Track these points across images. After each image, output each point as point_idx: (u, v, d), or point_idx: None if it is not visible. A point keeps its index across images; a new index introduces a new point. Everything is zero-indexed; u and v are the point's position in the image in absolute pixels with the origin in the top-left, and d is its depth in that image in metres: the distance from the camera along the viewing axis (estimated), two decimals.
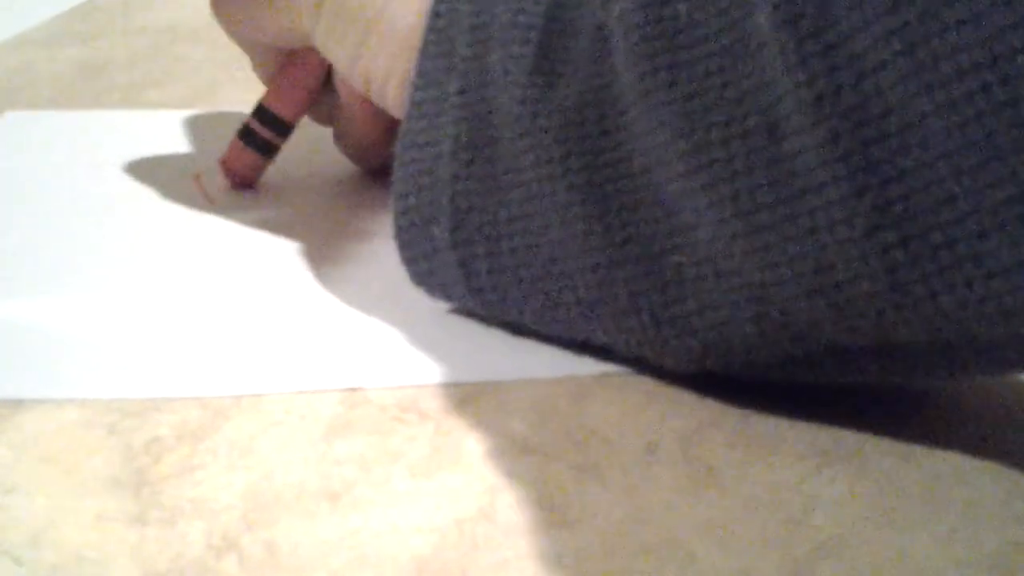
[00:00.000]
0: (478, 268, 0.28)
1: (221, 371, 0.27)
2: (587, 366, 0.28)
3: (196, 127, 0.45)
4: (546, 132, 0.26)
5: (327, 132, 0.39)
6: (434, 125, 0.29)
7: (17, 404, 0.26)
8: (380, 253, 0.33)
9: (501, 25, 0.28)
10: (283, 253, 0.34)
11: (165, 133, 0.44)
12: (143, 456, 0.24)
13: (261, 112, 0.37)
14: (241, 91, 0.50)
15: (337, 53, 0.32)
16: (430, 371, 0.28)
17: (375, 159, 0.38)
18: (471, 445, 0.25)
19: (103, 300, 0.31)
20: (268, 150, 0.38)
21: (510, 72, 0.27)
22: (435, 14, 0.29)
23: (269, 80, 0.37)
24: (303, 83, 0.37)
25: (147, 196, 0.38)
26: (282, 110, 0.37)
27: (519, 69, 0.27)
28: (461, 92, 0.28)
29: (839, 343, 0.24)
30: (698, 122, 0.24)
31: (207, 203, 0.37)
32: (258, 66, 0.38)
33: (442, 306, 0.30)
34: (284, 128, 0.38)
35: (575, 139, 0.26)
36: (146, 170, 0.40)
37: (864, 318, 0.23)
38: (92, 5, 0.64)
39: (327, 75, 0.37)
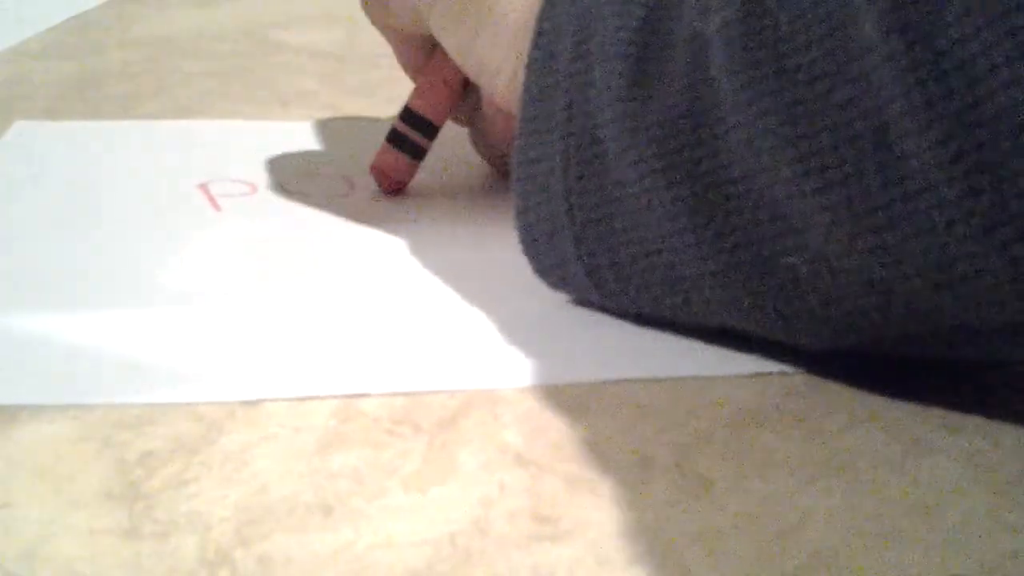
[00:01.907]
0: (605, 276, 0.29)
1: (231, 377, 0.27)
2: (582, 374, 0.28)
3: (203, 137, 0.45)
4: (647, 145, 0.27)
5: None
6: (544, 141, 0.30)
7: (11, 418, 0.26)
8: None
9: (602, 40, 0.28)
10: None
11: (172, 143, 0.44)
12: (137, 469, 0.24)
13: (407, 114, 0.38)
14: (236, 103, 0.50)
15: (450, 41, 0.33)
16: (421, 378, 0.28)
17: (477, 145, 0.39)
18: (465, 458, 0.25)
19: (122, 309, 0.31)
20: (417, 152, 0.38)
21: (611, 87, 0.28)
22: (539, 32, 0.30)
23: (412, 74, 0.38)
24: (445, 82, 0.37)
25: (157, 205, 0.38)
26: (427, 111, 0.38)
27: (619, 84, 0.28)
28: (567, 107, 0.29)
29: (971, 324, 0.25)
30: (805, 129, 0.24)
31: (214, 209, 0.38)
32: (400, 57, 0.39)
33: (439, 312, 0.31)
34: (431, 129, 0.38)
35: (675, 150, 0.27)
36: (155, 179, 0.40)
37: (991, 307, 0.23)
38: (87, 18, 0.64)
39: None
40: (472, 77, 0.34)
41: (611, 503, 0.23)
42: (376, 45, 0.60)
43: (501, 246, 0.35)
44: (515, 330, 0.30)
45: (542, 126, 0.30)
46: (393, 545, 0.22)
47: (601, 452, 0.25)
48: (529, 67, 0.30)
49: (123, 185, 0.40)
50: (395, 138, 0.38)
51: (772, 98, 0.24)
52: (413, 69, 0.39)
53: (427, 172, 0.41)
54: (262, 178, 0.40)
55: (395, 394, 0.27)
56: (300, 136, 0.46)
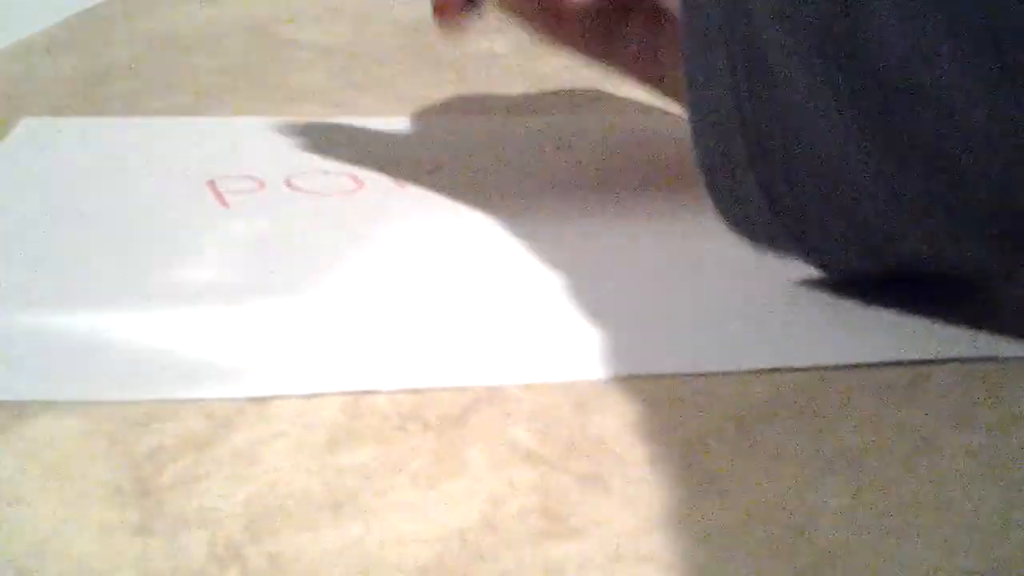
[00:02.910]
0: (780, 190, 0.29)
1: (240, 373, 0.27)
2: (589, 372, 0.28)
3: (211, 133, 0.45)
4: (807, 49, 0.27)
5: None
6: (709, 62, 0.29)
7: (20, 414, 0.26)
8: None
9: None
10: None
11: (180, 139, 0.44)
12: (146, 466, 0.24)
13: None
14: (243, 99, 0.50)
15: None
16: (431, 374, 0.28)
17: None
18: (474, 454, 0.25)
19: (130, 305, 0.31)
20: None
21: None
22: None
23: None
24: None
25: (165, 201, 0.38)
26: None
27: None
28: (726, 21, 0.29)
29: None
30: (963, 7, 0.24)
31: (222, 205, 0.38)
32: None
33: (447, 308, 0.31)
34: None
35: (832, 49, 0.27)
36: (163, 176, 0.40)
37: None
38: (94, 13, 0.64)
39: None
40: None
41: (621, 500, 0.23)
42: (384, 41, 0.60)
43: (506, 241, 0.35)
44: (524, 325, 0.30)
45: (705, 40, 0.30)
46: (402, 542, 0.22)
47: (610, 449, 0.25)
48: None
49: (131, 181, 0.40)
50: None
51: None
52: None
53: (425, 172, 0.41)
54: (270, 174, 0.40)
55: (405, 390, 0.27)
56: (308, 132, 0.46)
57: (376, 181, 0.40)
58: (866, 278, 0.31)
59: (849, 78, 0.27)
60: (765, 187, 0.29)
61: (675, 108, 0.41)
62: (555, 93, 0.51)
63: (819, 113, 0.28)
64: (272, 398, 0.27)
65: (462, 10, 0.40)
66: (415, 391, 0.27)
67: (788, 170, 0.29)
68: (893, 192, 0.27)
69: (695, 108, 0.30)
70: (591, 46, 0.41)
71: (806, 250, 0.31)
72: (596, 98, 0.50)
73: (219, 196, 0.38)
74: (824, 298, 0.32)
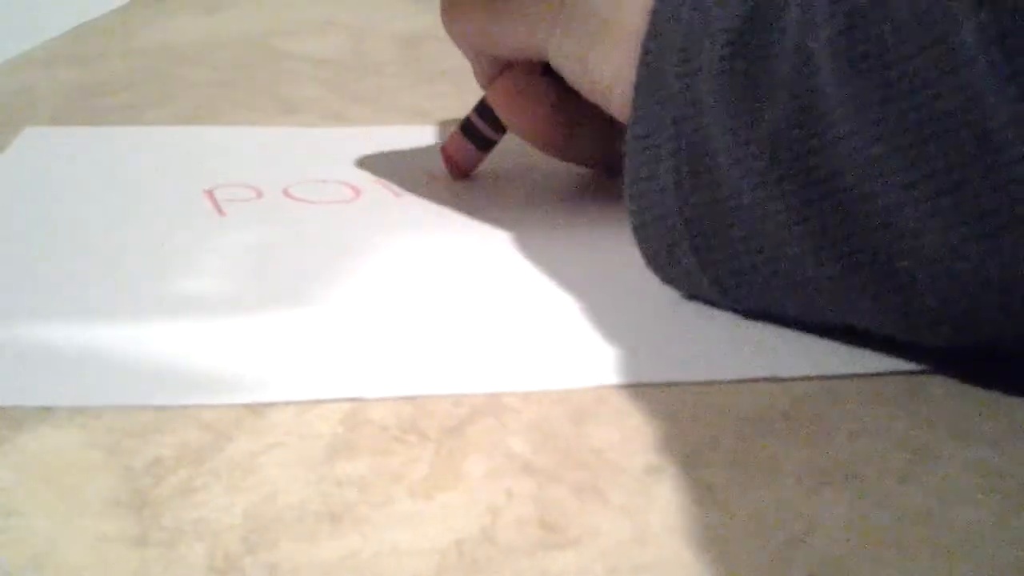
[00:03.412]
0: (728, 283, 0.30)
1: (237, 381, 0.27)
2: (588, 380, 0.28)
3: (209, 143, 0.45)
4: (758, 158, 0.28)
5: None
6: (654, 158, 0.30)
7: (18, 425, 0.26)
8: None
9: (707, 56, 0.29)
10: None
11: (178, 149, 0.44)
12: (144, 477, 0.24)
13: (481, 107, 0.40)
14: (239, 110, 0.50)
15: (569, 62, 0.34)
16: (427, 382, 0.28)
17: (556, 153, 0.41)
18: (471, 465, 0.25)
19: (128, 313, 0.31)
20: (485, 144, 0.41)
21: (718, 102, 0.28)
22: (645, 51, 0.30)
23: (486, 83, 0.40)
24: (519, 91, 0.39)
25: (163, 210, 0.38)
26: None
27: (726, 98, 0.28)
28: (675, 123, 0.29)
29: None
30: (912, 138, 0.25)
31: (220, 214, 0.38)
32: (478, 73, 0.40)
33: (444, 316, 0.31)
34: (501, 125, 0.40)
35: (786, 161, 0.27)
36: (161, 185, 0.40)
37: None
38: (90, 26, 0.64)
39: None
40: (587, 93, 0.35)
41: (618, 511, 0.23)
42: (379, 53, 0.60)
43: (502, 250, 0.35)
44: (521, 334, 0.30)
45: (652, 143, 0.30)
46: (400, 553, 0.22)
47: (608, 460, 0.25)
48: (636, 86, 0.31)
49: (130, 190, 0.40)
50: (467, 128, 0.41)
51: (879, 108, 0.25)
52: (488, 79, 0.40)
53: (422, 176, 0.41)
54: (267, 183, 0.41)
55: (402, 401, 0.27)
56: (305, 142, 0.46)
57: (373, 190, 0.40)
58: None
59: (800, 189, 0.27)
60: (716, 283, 0.30)
61: None
62: None
63: (768, 218, 0.28)
64: (270, 409, 0.27)
65: (474, 164, 0.41)
66: (412, 402, 0.27)
67: (736, 271, 0.29)
68: (844, 291, 0.28)
69: (635, 201, 0.31)
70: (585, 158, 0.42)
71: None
72: None
73: (216, 205, 0.39)
74: None
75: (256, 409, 0.27)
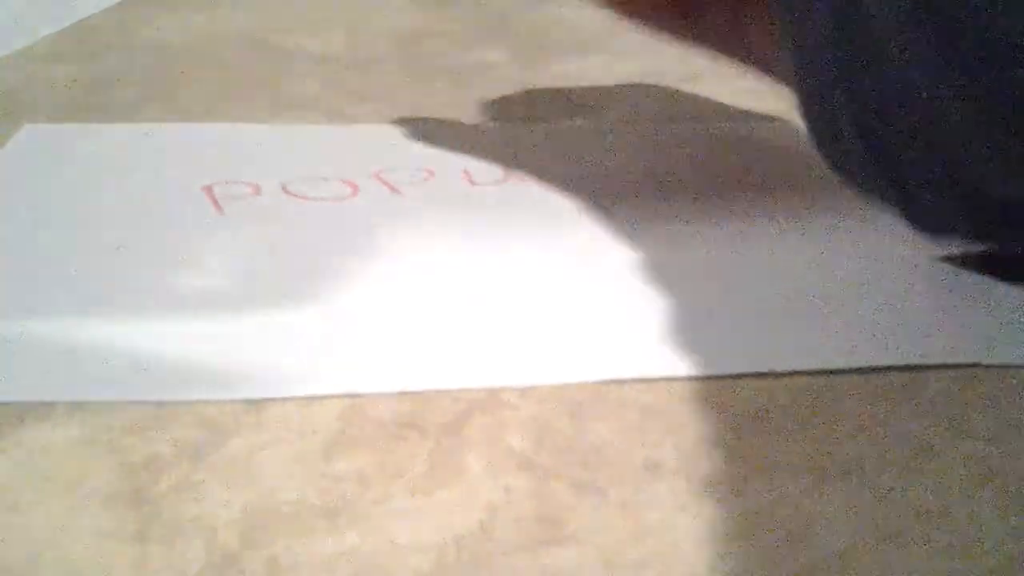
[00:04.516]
0: (877, 135, 0.30)
1: (235, 376, 0.27)
2: (584, 375, 0.28)
3: (208, 140, 0.45)
4: (904, 3, 0.27)
5: None
6: (807, 17, 0.30)
7: (18, 421, 0.26)
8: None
9: None
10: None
11: (177, 146, 0.44)
12: (143, 473, 0.24)
13: None
14: (238, 107, 0.50)
15: None
16: (427, 377, 0.28)
17: None
18: (470, 462, 0.25)
19: (127, 309, 0.31)
20: None
21: None
22: None
23: None
24: None
25: (162, 206, 0.38)
26: None
27: None
28: None
29: None
30: None
31: (218, 210, 0.38)
32: None
33: (442, 312, 0.31)
34: None
35: (925, 7, 0.27)
36: (160, 181, 0.40)
37: None
38: (90, 23, 0.64)
39: None
40: None
41: (617, 507, 0.23)
42: (378, 50, 0.60)
43: (501, 245, 0.35)
44: (518, 329, 0.30)
45: (802, 4, 0.30)
46: (399, 549, 0.22)
47: (607, 456, 0.25)
48: None
49: (129, 187, 0.40)
50: None
51: None
52: None
53: (421, 173, 0.41)
54: (266, 180, 0.41)
55: (400, 397, 0.27)
56: (304, 139, 0.46)
57: (371, 187, 0.40)
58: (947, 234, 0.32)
59: (942, 33, 0.27)
60: (863, 136, 0.30)
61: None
62: (549, 101, 0.51)
63: (914, 63, 0.28)
64: (268, 405, 0.27)
65: None
66: (411, 398, 0.27)
67: (884, 116, 0.29)
68: (988, 140, 0.28)
69: (796, 57, 0.31)
70: (672, 21, 0.41)
71: (903, 197, 0.31)
72: (591, 106, 0.50)
73: (215, 201, 0.39)
74: (818, 302, 0.32)
75: (255, 405, 0.27)
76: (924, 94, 0.28)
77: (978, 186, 0.29)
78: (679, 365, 0.29)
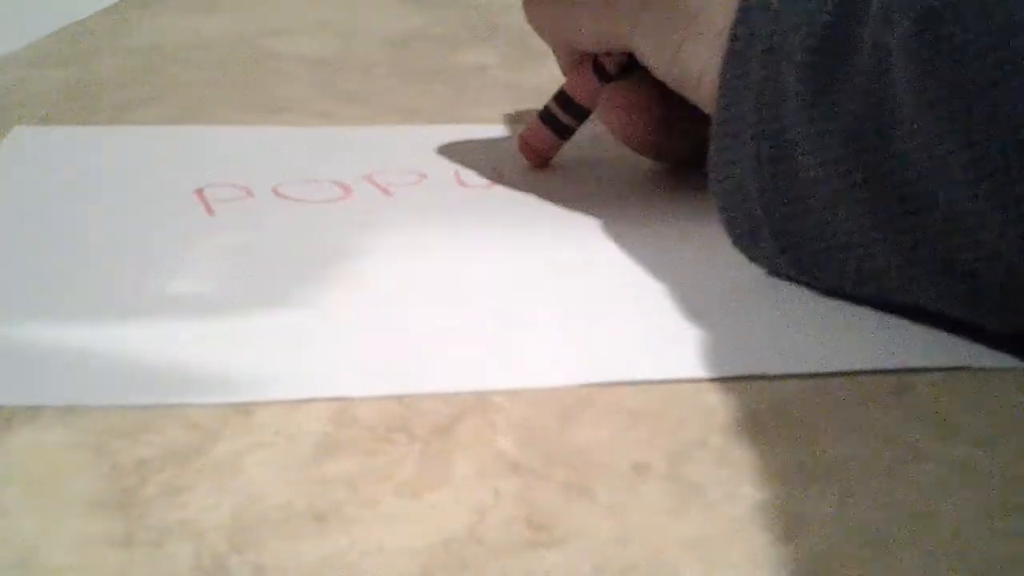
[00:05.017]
0: (807, 265, 0.31)
1: (225, 380, 0.27)
2: (573, 378, 0.28)
3: (199, 142, 0.45)
4: (832, 149, 0.29)
5: None
6: (737, 143, 0.31)
7: (5, 425, 0.26)
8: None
9: (790, 47, 0.30)
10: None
11: (168, 148, 0.44)
12: (130, 477, 0.24)
13: (561, 97, 0.41)
14: (230, 109, 0.50)
15: (656, 53, 0.35)
16: (416, 381, 0.28)
17: (639, 148, 0.42)
18: (459, 465, 0.25)
19: (117, 312, 0.31)
20: (564, 131, 0.42)
21: (799, 94, 0.29)
22: (733, 38, 0.32)
23: (569, 70, 0.41)
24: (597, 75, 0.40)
25: (153, 209, 0.38)
26: (580, 97, 0.41)
27: (806, 90, 0.29)
28: (758, 108, 0.31)
29: None
30: (977, 136, 0.26)
31: (209, 213, 0.38)
32: (560, 58, 0.41)
33: (432, 316, 0.31)
34: (581, 112, 0.41)
35: (857, 153, 0.28)
36: (151, 184, 0.40)
37: None
38: (82, 26, 0.64)
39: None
40: (674, 84, 0.35)
41: (605, 510, 0.23)
42: (370, 53, 0.60)
43: (491, 248, 0.35)
44: (507, 332, 0.30)
45: (734, 129, 0.31)
46: (387, 552, 0.22)
47: (595, 459, 0.25)
48: (722, 71, 0.32)
49: (119, 190, 0.40)
50: (545, 116, 0.41)
51: (947, 105, 0.26)
52: (569, 68, 0.41)
53: (412, 176, 0.41)
54: (257, 182, 0.41)
55: (389, 400, 0.27)
56: (295, 142, 0.46)
57: (363, 189, 0.40)
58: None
59: (870, 181, 0.28)
60: (795, 265, 0.32)
61: None
62: (540, 104, 0.51)
63: (840, 206, 0.29)
64: (256, 409, 0.27)
65: (552, 151, 0.42)
66: (400, 401, 0.27)
67: (812, 251, 0.31)
68: (909, 279, 0.29)
69: (719, 183, 0.32)
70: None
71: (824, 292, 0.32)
72: None
73: (206, 204, 0.39)
74: (807, 306, 0.32)
75: (243, 408, 0.27)
76: (853, 239, 0.30)
77: (900, 301, 0.30)
78: (668, 368, 0.29)
